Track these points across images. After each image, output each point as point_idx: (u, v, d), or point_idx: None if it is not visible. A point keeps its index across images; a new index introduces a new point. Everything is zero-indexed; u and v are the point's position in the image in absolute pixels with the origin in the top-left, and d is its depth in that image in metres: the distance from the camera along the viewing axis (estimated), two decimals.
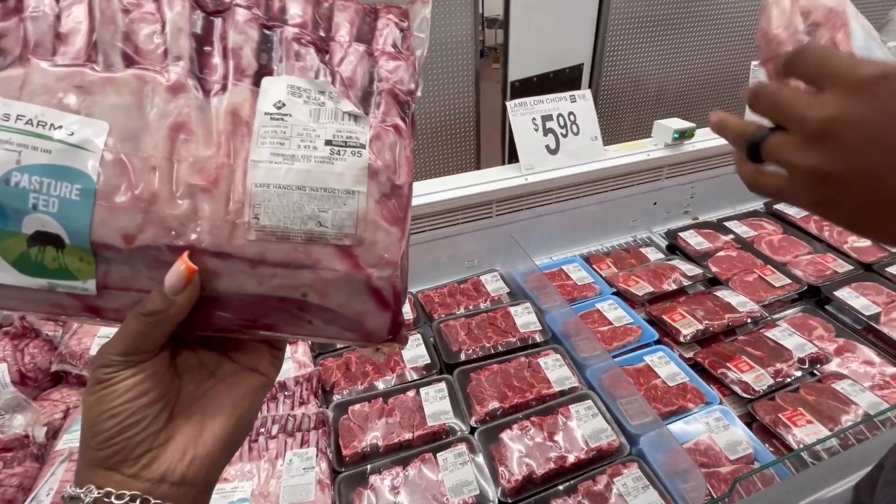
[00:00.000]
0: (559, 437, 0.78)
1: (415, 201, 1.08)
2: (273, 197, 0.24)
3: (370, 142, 0.26)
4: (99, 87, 0.24)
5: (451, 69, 2.04)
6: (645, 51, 2.29)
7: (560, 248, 1.29)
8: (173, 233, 0.24)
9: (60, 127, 0.23)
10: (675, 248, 1.25)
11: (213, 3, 0.26)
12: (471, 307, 1.06)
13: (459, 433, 0.79)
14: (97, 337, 0.78)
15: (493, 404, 0.83)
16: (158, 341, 0.26)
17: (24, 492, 0.61)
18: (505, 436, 0.78)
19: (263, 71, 0.26)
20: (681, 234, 1.26)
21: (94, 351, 0.76)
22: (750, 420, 0.82)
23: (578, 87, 2.33)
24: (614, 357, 0.91)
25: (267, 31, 0.26)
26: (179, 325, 0.26)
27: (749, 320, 0.98)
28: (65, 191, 0.23)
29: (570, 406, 0.82)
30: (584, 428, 0.78)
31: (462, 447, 0.76)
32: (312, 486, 0.68)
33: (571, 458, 0.74)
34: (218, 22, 0.26)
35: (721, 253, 1.18)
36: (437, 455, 0.74)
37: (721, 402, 0.84)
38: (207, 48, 0.26)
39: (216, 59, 0.26)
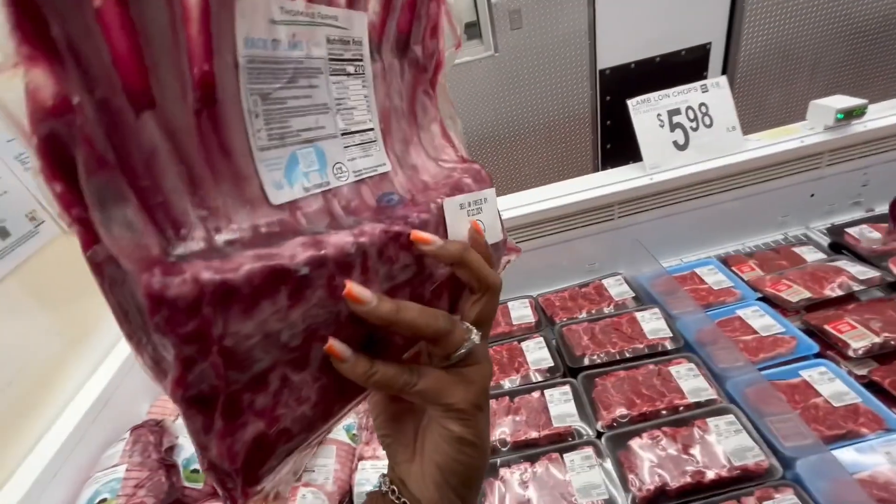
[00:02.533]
0: (695, 451, 0.74)
1: (531, 208, 1.12)
2: None
3: None
4: None
5: (562, 63, 2.01)
6: (794, 14, 1.97)
7: (691, 249, 1.20)
8: None
9: None
10: (840, 246, 1.07)
11: None
12: (593, 311, 1.05)
13: (585, 437, 0.81)
14: None
15: (621, 411, 0.82)
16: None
17: None
18: (634, 444, 0.77)
19: None
20: (849, 229, 1.08)
21: None
22: None
23: (703, 71, 2.09)
24: (761, 370, 0.83)
25: None
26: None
27: None
28: None
29: (707, 419, 0.77)
30: (725, 444, 0.73)
31: (589, 451, 0.77)
32: None
33: (711, 475, 0.71)
34: None
35: None
36: (564, 456, 0.77)
37: None
38: None
39: None
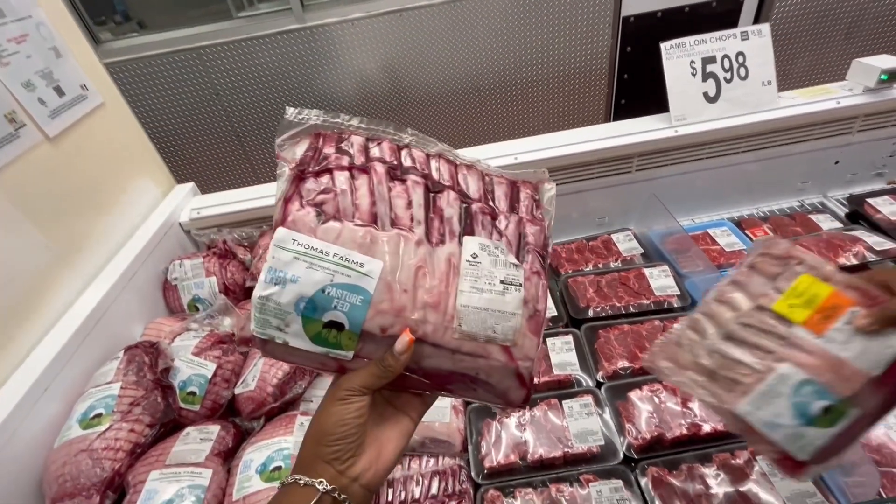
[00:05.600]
0: (694, 405, 0.74)
1: (542, 154, 1.07)
2: (471, 314, 0.39)
3: (524, 282, 0.41)
4: (378, 239, 0.39)
5: (585, 6, 1.87)
6: None
7: (706, 209, 1.17)
8: (410, 329, 0.39)
9: (358, 263, 0.38)
10: (858, 216, 1.05)
11: (434, 186, 0.43)
12: (600, 265, 1.03)
13: (585, 386, 0.81)
14: None
15: (622, 363, 0.82)
16: (379, 385, 0.39)
17: (235, 375, 0.78)
18: (633, 395, 0.77)
19: (464, 232, 0.42)
20: (869, 199, 1.05)
21: None
22: None
23: (733, 25, 1.96)
24: None
25: (464, 205, 0.43)
26: (394, 379, 0.39)
27: None
28: (354, 299, 0.38)
29: None
30: None
31: (588, 399, 0.77)
32: (448, 410, 0.76)
33: (707, 428, 0.71)
34: (439, 199, 0.43)
35: None
36: (563, 402, 0.77)
37: None
38: (433, 216, 0.42)
39: (437, 223, 0.42)
